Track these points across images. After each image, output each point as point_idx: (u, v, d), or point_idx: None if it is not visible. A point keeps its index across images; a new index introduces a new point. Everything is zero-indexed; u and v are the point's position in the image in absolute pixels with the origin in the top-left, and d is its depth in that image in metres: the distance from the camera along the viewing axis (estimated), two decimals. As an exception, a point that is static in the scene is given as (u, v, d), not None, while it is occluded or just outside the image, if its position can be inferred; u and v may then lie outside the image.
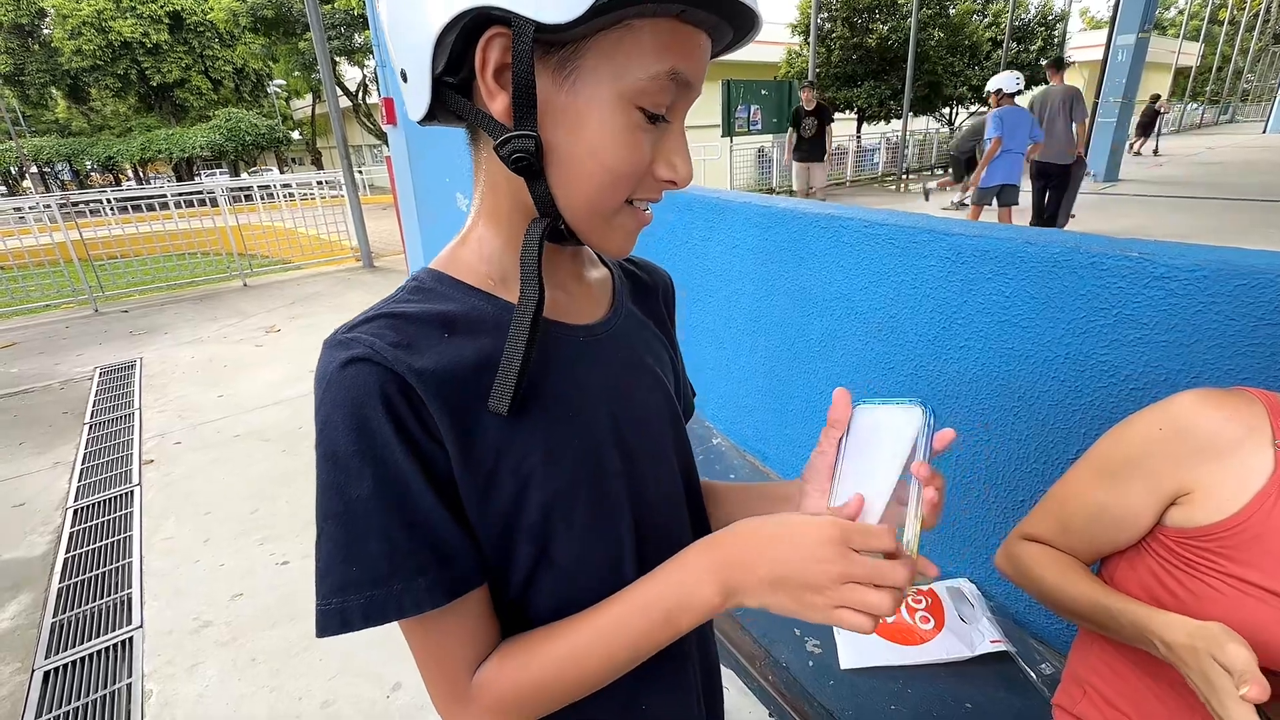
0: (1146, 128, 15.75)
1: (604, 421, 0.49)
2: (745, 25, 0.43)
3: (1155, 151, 15.57)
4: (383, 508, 0.41)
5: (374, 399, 0.40)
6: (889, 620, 1.27)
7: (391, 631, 1.51)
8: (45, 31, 26.22)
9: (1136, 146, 15.31)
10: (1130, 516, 0.67)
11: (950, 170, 8.39)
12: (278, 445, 3.05)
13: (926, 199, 9.24)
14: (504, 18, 0.38)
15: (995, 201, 5.27)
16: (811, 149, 7.71)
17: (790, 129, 8.03)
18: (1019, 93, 4.95)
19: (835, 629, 1.26)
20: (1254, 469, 0.60)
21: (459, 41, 0.39)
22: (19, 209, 7.02)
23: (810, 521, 0.41)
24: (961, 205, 8.10)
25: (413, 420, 0.41)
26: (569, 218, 0.44)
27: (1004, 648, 1.16)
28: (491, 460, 0.44)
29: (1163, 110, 16.25)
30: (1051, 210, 5.71)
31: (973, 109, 18.57)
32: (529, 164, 0.41)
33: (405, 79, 0.43)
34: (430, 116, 0.45)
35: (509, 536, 0.46)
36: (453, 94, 0.42)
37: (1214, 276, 0.86)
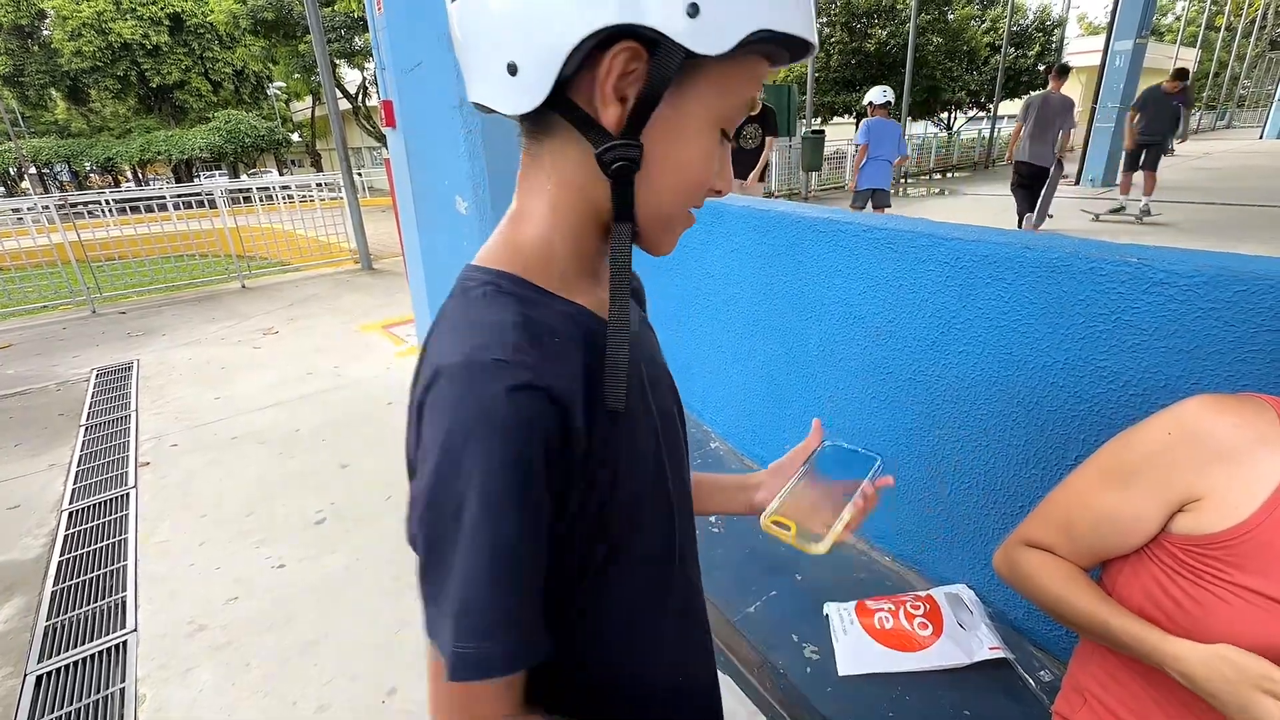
0: (1134, 161, 16.61)
1: (655, 419, 0.52)
2: (800, 52, 0.45)
3: (1182, 139, 16.90)
4: (521, 560, 0.40)
5: (538, 436, 0.39)
6: (888, 626, 1.27)
7: (387, 636, 1.51)
8: (45, 33, 26.21)
9: (1121, 185, 16.04)
10: (1137, 522, 0.67)
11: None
12: (274, 448, 3.04)
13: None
14: (647, 35, 0.38)
15: (870, 204, 5.98)
16: (747, 164, 5.53)
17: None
18: (887, 104, 5.61)
19: (832, 634, 1.26)
20: (1264, 475, 0.59)
21: (592, 45, 0.39)
22: (17, 210, 7.02)
23: None
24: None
25: (563, 458, 0.41)
26: (640, 222, 0.46)
27: (1003, 655, 1.15)
28: (596, 465, 0.44)
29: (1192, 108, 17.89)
30: (1027, 209, 6.13)
31: (971, 114, 18.63)
32: (627, 170, 0.42)
33: (513, 72, 0.41)
34: (531, 118, 0.45)
35: (591, 535, 0.46)
36: (567, 97, 0.42)
37: (1213, 282, 0.85)
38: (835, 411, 1.49)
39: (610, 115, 0.41)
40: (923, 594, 1.28)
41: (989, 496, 1.22)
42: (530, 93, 0.41)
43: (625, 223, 0.45)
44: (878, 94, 5.61)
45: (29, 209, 6.53)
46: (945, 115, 18.47)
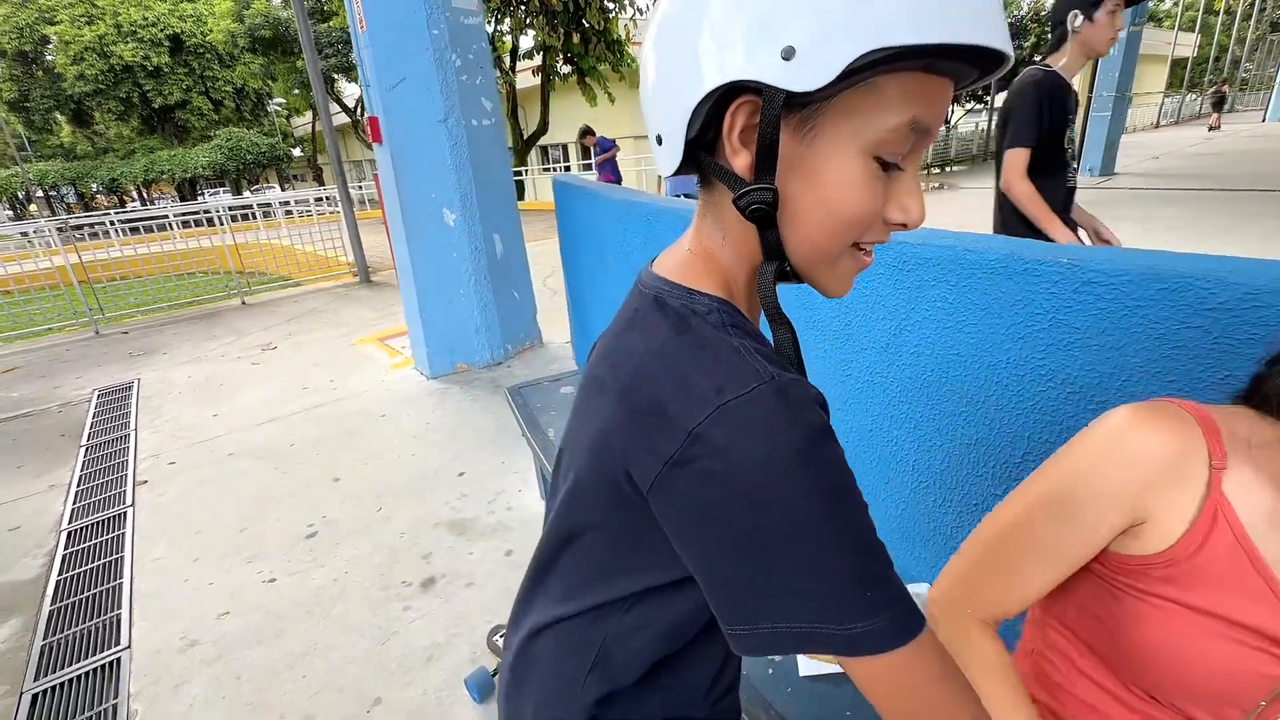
0: (1219, 104, 19.61)
1: None
2: (993, 63, 0.43)
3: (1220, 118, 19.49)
4: (875, 531, 0.43)
5: (835, 435, 0.43)
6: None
7: (373, 647, 1.55)
8: (49, 58, 26.61)
9: (1214, 122, 19.16)
10: (1076, 551, 0.64)
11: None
12: (269, 463, 3.09)
13: None
14: (755, 87, 0.41)
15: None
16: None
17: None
18: None
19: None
20: (1192, 492, 0.58)
21: (710, 109, 0.43)
22: (25, 234, 7.13)
23: None
24: None
25: None
26: (795, 261, 0.47)
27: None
28: None
29: (1227, 90, 19.90)
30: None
31: (970, 106, 18.58)
32: (765, 213, 0.44)
33: (660, 142, 0.47)
34: (677, 171, 0.48)
35: None
36: (701, 154, 0.47)
37: (1138, 281, 0.87)
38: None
39: (740, 163, 0.44)
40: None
41: (945, 494, 1.23)
42: (671, 157, 0.47)
43: (772, 262, 0.47)
44: None
45: (34, 231, 6.63)
46: (942, 109, 18.43)
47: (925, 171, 15.10)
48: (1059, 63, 1.98)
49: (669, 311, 0.48)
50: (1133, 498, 0.60)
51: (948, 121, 18.56)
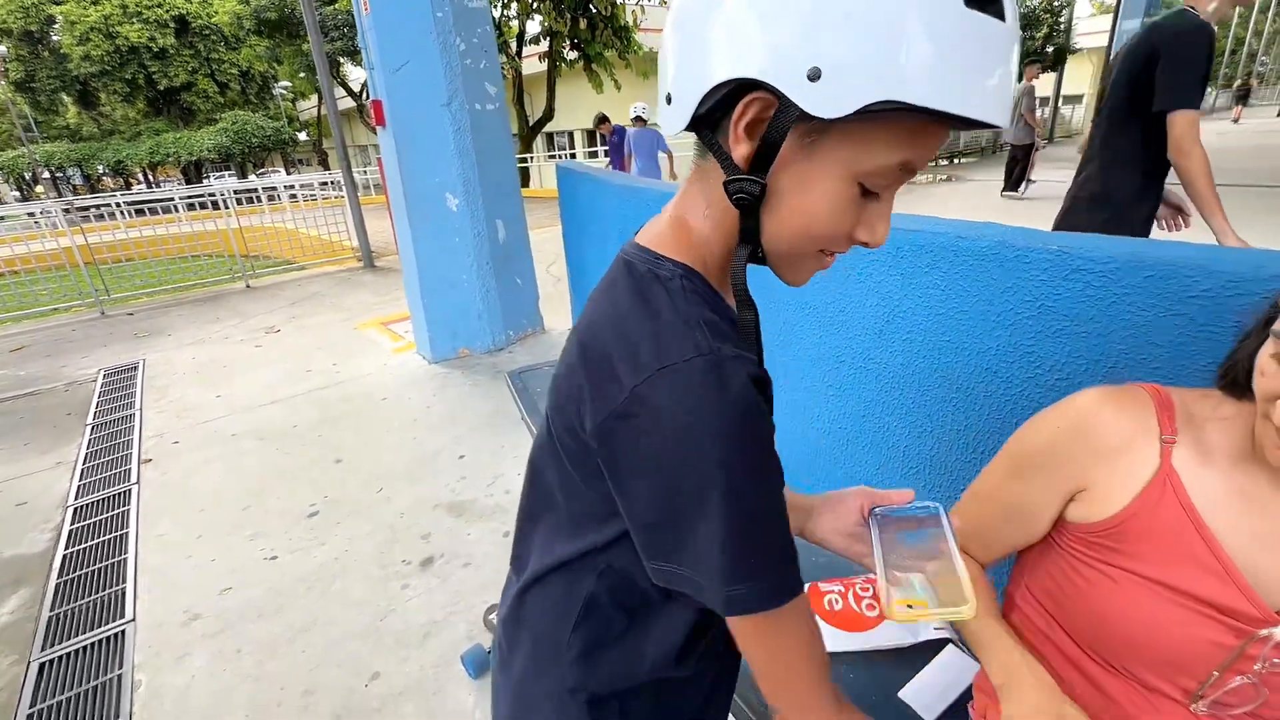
0: (1244, 97, 20.18)
1: None
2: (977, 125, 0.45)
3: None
4: (779, 505, 0.48)
5: (760, 411, 0.45)
6: (837, 608, 1.30)
7: (372, 623, 1.58)
8: (54, 38, 26.53)
9: (1236, 115, 18.45)
10: (1034, 513, 0.71)
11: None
12: (272, 443, 3.12)
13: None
14: (774, 90, 0.42)
15: None
16: None
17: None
18: (638, 119, 7.13)
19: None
20: (1142, 465, 0.62)
21: (727, 92, 0.45)
22: (32, 215, 7.16)
23: None
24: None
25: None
26: (766, 250, 0.50)
27: (946, 635, 1.19)
28: None
29: (1254, 84, 20.83)
30: (1019, 175, 8.58)
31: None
32: (748, 204, 0.47)
33: (669, 102, 0.49)
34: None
35: None
36: (703, 125, 0.48)
37: (1125, 269, 0.88)
38: (794, 397, 1.52)
39: (740, 152, 0.46)
40: (872, 576, 1.31)
41: (934, 480, 1.25)
42: (676, 119, 0.48)
43: (746, 245, 0.49)
44: (638, 108, 7.28)
45: (41, 213, 6.66)
46: (952, 100, 18.20)
47: (934, 162, 14.98)
48: (1207, 7, 1.66)
49: (635, 276, 0.51)
50: (1079, 466, 0.66)
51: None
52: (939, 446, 1.21)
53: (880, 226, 0.48)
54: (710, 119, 0.47)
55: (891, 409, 1.30)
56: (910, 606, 0.54)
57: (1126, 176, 1.83)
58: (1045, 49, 16.88)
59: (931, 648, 1.16)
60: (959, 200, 9.31)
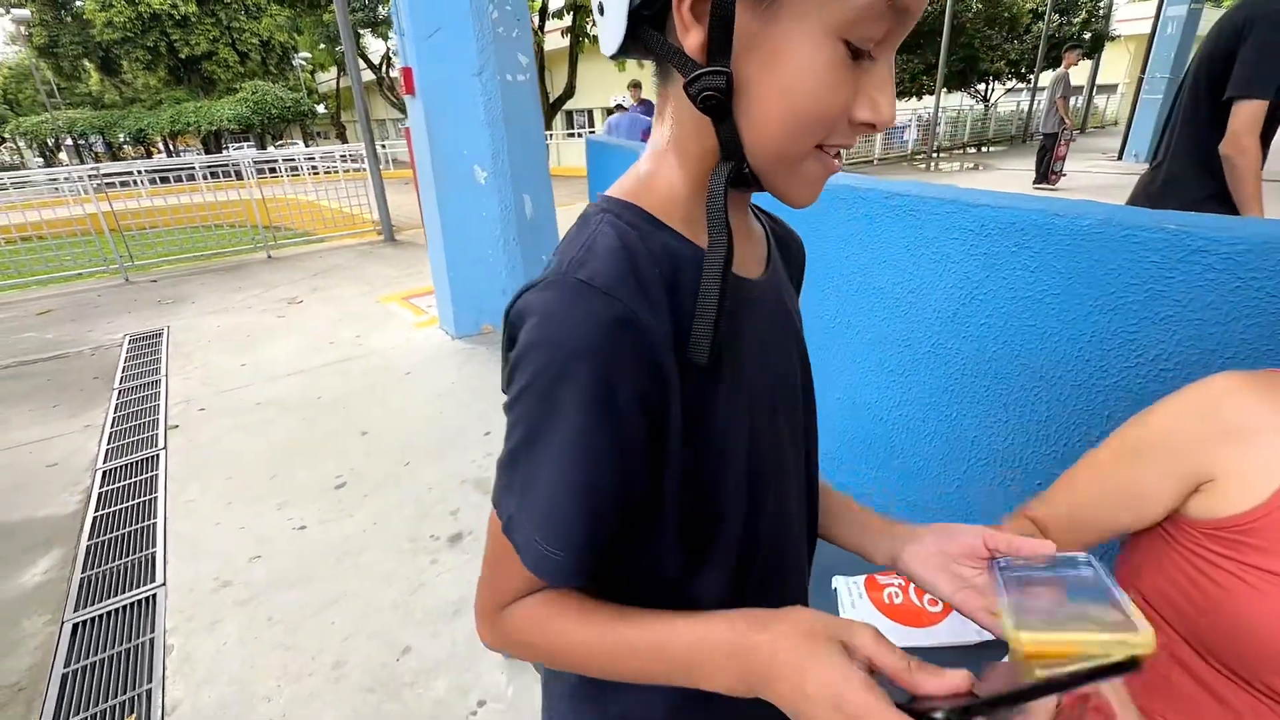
0: None
1: (767, 381, 0.49)
2: None
3: None
4: (578, 477, 0.40)
5: (612, 362, 0.38)
6: (897, 602, 1.25)
7: (402, 597, 1.54)
8: (78, 3, 26.52)
9: None
10: (1143, 497, 0.65)
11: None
12: (297, 414, 3.11)
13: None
14: None
15: None
16: None
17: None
18: (619, 107, 6.87)
19: (840, 609, 1.25)
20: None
21: None
22: (54, 180, 7.19)
23: (847, 679, 0.36)
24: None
25: (641, 382, 0.39)
26: (754, 162, 0.41)
27: (1014, 633, 1.13)
28: (698, 413, 0.43)
29: None
30: (1047, 165, 8.42)
31: (1010, 85, 17.92)
32: (718, 103, 0.38)
33: (602, 11, 0.41)
34: (623, 50, 0.42)
35: (710, 494, 0.45)
36: (646, 28, 0.40)
37: (1256, 251, 0.80)
38: (851, 383, 1.46)
39: (692, 42, 0.38)
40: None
41: (1005, 473, 1.19)
42: (614, 29, 0.40)
43: (728, 161, 0.41)
44: (618, 97, 7.31)
45: (66, 179, 6.67)
46: (983, 87, 17.75)
47: (960, 150, 14.66)
48: None
49: (576, 223, 0.46)
50: (1207, 452, 0.60)
51: (986, 100, 17.94)
52: (1014, 439, 1.15)
53: (883, 99, 0.38)
54: (652, 17, 0.39)
55: (961, 397, 1.23)
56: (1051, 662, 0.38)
57: (1197, 175, 1.64)
58: (1083, 35, 16.38)
59: (999, 644, 1.11)
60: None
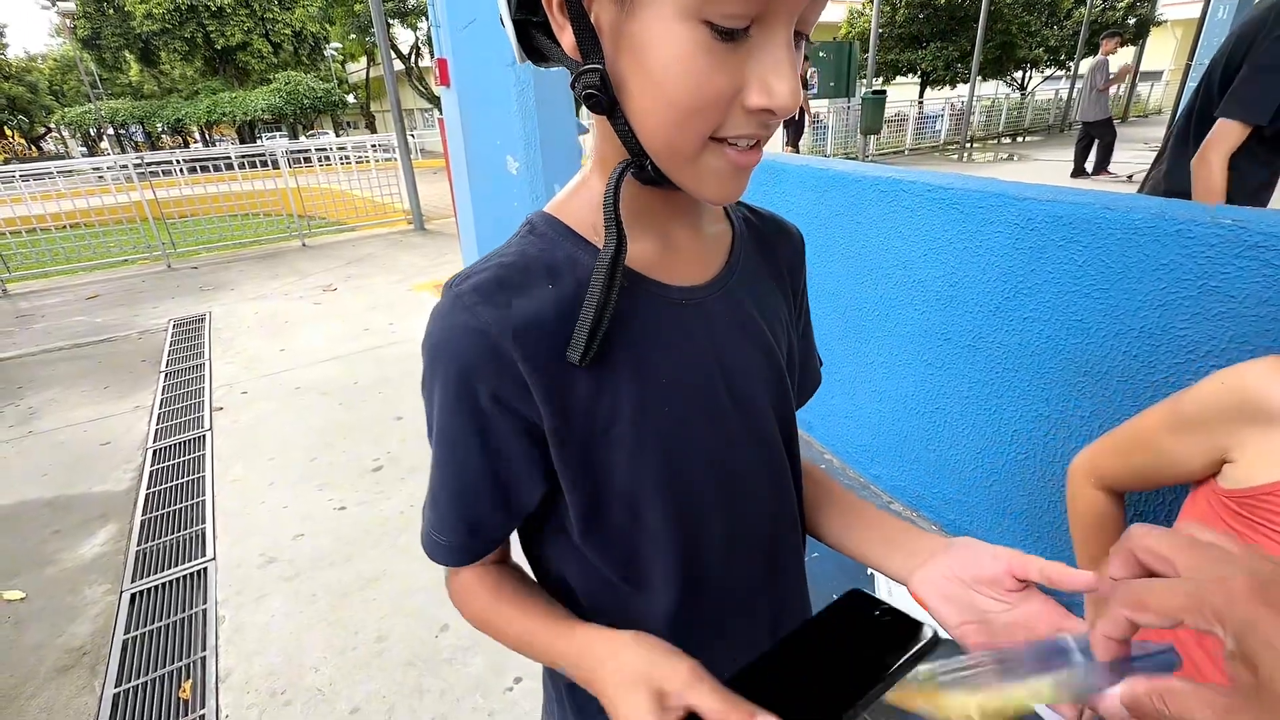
0: None
1: (700, 388, 0.47)
2: None
3: None
4: (448, 467, 0.47)
5: (469, 368, 0.42)
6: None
7: (439, 577, 1.57)
8: (118, -4, 27.20)
9: None
10: (1181, 466, 0.72)
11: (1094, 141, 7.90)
12: (335, 399, 3.20)
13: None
14: None
15: None
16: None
17: None
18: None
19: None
20: None
21: None
22: (98, 169, 7.43)
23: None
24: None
25: (501, 388, 0.43)
26: (655, 159, 0.40)
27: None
28: (582, 417, 0.44)
29: None
30: (1101, 156, 7.97)
31: (1048, 73, 17.39)
32: (598, 100, 0.38)
33: (504, 24, 0.42)
34: (531, 59, 0.43)
35: (599, 497, 0.47)
36: (537, 34, 0.40)
37: (1318, 246, 0.79)
38: (887, 376, 1.46)
39: (566, 41, 0.38)
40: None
41: (1046, 469, 1.18)
42: (511, 39, 0.41)
43: (630, 159, 0.41)
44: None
45: (109, 168, 6.89)
46: (1019, 74, 17.24)
47: (995, 140, 14.28)
48: None
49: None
50: (1224, 431, 0.65)
51: (1023, 87, 17.43)
52: (1057, 433, 1.15)
53: (777, 82, 0.35)
54: (544, 26, 0.39)
55: (1002, 391, 1.23)
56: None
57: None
58: (1127, 19, 15.79)
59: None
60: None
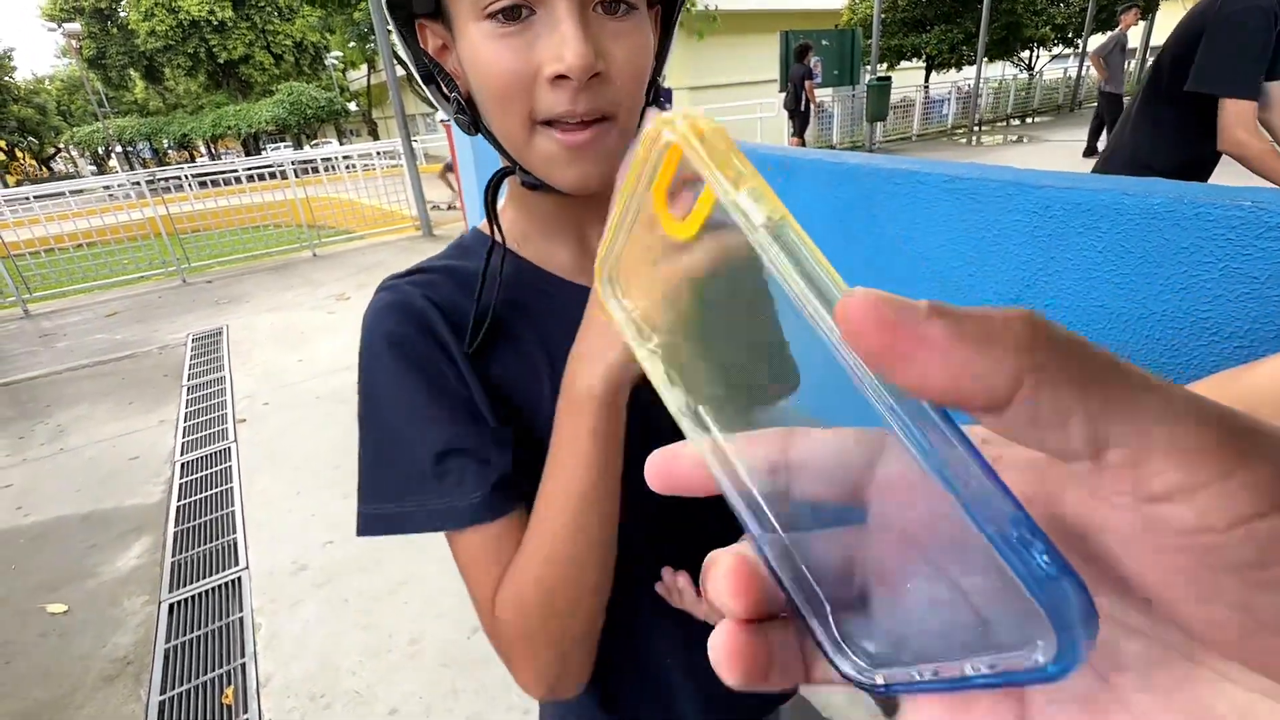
0: None
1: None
2: None
3: None
4: (401, 431, 0.48)
5: (398, 319, 0.47)
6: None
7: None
8: (121, 14, 27.51)
9: None
10: None
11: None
12: (353, 407, 3.22)
13: None
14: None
15: None
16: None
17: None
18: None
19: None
20: None
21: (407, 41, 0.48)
22: (109, 187, 7.54)
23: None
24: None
25: (431, 348, 0.47)
26: (510, 152, 0.46)
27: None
28: (498, 403, 0.48)
29: None
30: (1098, 136, 7.67)
31: (1056, 52, 17.16)
32: (465, 122, 0.47)
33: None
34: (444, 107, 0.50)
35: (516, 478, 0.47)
36: (431, 87, 0.49)
37: (1341, 226, 0.79)
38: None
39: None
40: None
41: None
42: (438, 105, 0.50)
43: (502, 167, 0.48)
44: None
45: (119, 185, 7.00)
46: (1026, 55, 17.01)
47: (1004, 123, 14.12)
48: None
49: None
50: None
51: (1031, 68, 17.22)
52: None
53: (563, 48, 0.38)
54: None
55: (1023, 379, 1.24)
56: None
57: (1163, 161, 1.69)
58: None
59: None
60: (1036, 165, 8.78)
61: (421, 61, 0.47)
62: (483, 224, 0.52)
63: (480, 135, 0.47)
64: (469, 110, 0.46)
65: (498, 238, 0.49)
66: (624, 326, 0.18)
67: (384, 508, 0.47)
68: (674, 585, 0.53)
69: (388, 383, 0.47)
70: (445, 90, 0.46)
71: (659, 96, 0.49)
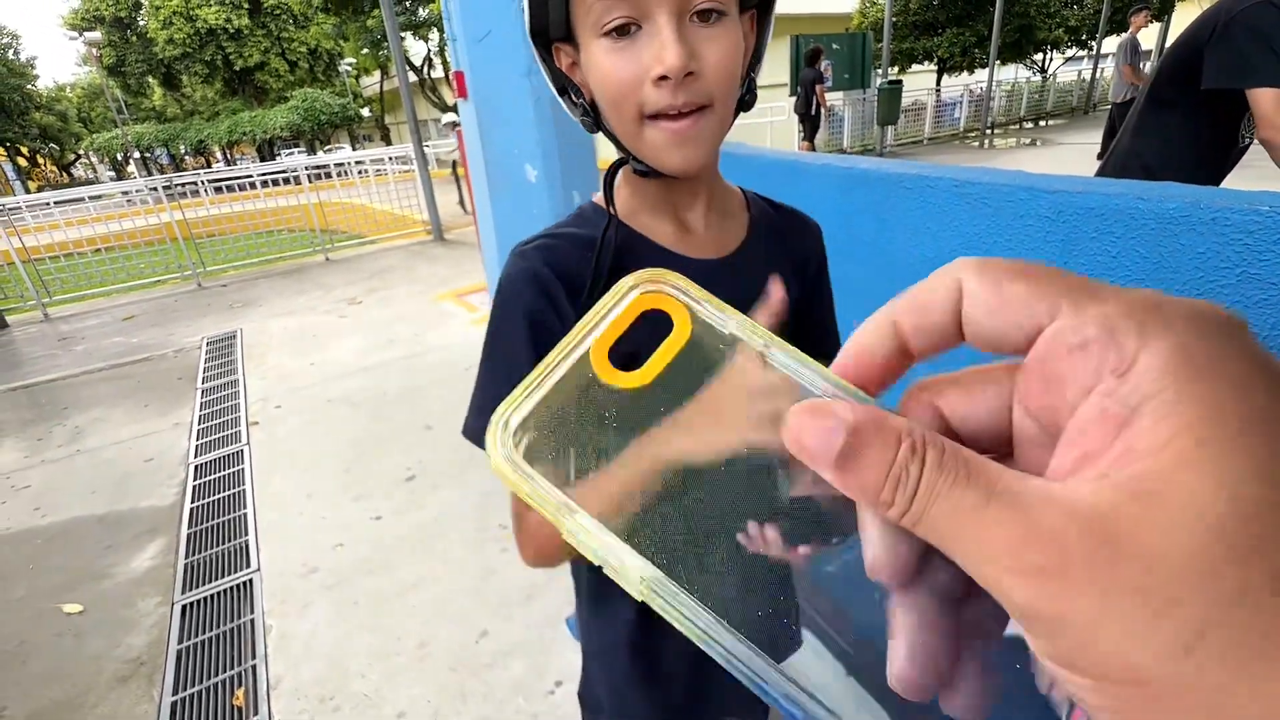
0: None
1: None
2: None
3: None
4: (498, 360, 0.58)
5: (527, 286, 0.56)
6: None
7: (475, 583, 1.63)
8: (141, 23, 28.00)
9: None
10: None
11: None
12: (366, 410, 3.26)
13: None
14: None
15: None
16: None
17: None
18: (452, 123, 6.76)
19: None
20: None
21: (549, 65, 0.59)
22: (127, 193, 7.66)
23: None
24: None
25: (547, 312, 0.56)
26: (631, 152, 0.55)
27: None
28: None
29: None
30: (1111, 139, 7.52)
31: (1070, 54, 17.01)
32: (589, 123, 0.56)
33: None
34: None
35: None
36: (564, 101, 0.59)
37: (1363, 231, 0.78)
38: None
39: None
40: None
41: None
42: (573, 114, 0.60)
43: (619, 159, 0.58)
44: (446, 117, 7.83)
45: (137, 190, 7.11)
46: (1040, 57, 16.88)
47: (1016, 125, 14.01)
48: None
49: None
50: None
51: (1044, 70, 17.08)
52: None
53: (663, 53, 0.47)
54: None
55: (1036, 385, 1.22)
56: None
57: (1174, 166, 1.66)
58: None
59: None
60: (1050, 168, 8.71)
61: (557, 76, 0.57)
62: (597, 197, 0.62)
63: (600, 133, 0.57)
64: (592, 113, 0.55)
65: (612, 211, 0.58)
66: (524, 486, 0.16)
67: (484, 421, 0.56)
68: (760, 536, 0.54)
69: (510, 333, 0.56)
70: (574, 98, 0.56)
71: (753, 89, 0.58)
